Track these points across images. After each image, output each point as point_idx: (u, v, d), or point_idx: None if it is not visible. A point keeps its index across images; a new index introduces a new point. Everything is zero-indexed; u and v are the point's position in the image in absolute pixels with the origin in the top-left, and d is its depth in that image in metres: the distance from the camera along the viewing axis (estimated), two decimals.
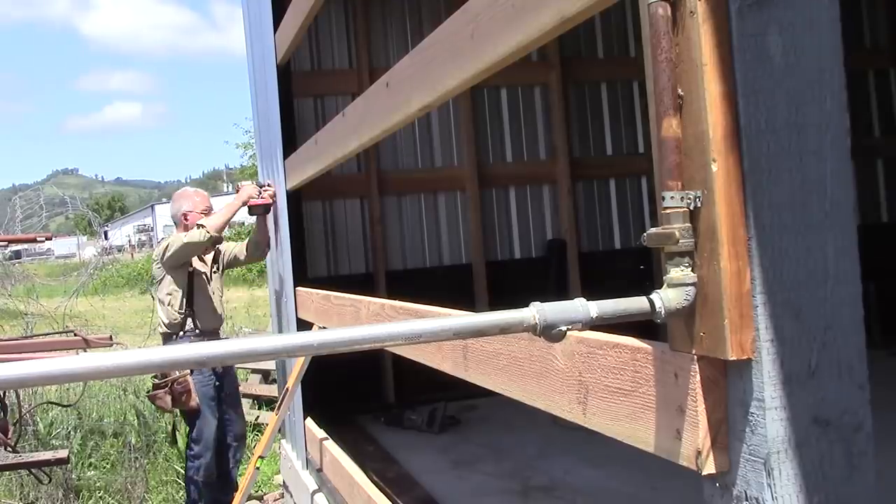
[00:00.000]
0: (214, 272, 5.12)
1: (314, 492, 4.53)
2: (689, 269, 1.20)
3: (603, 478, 3.83)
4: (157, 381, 4.83)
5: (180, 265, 4.89)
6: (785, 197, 1.14)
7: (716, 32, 1.13)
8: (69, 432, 6.99)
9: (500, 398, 1.91)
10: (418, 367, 2.52)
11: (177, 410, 5.02)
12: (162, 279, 4.95)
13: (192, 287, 4.91)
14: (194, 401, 4.79)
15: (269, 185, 4.92)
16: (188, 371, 4.68)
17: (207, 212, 5.04)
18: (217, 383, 4.95)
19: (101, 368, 1.12)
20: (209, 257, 5.09)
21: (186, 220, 4.99)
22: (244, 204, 4.83)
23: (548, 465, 4.15)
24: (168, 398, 4.78)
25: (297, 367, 4.39)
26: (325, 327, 3.79)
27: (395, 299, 3.01)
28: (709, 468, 1.19)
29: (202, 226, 4.69)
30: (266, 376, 8.29)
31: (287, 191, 4.71)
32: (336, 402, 5.05)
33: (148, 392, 4.98)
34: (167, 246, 4.87)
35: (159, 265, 4.96)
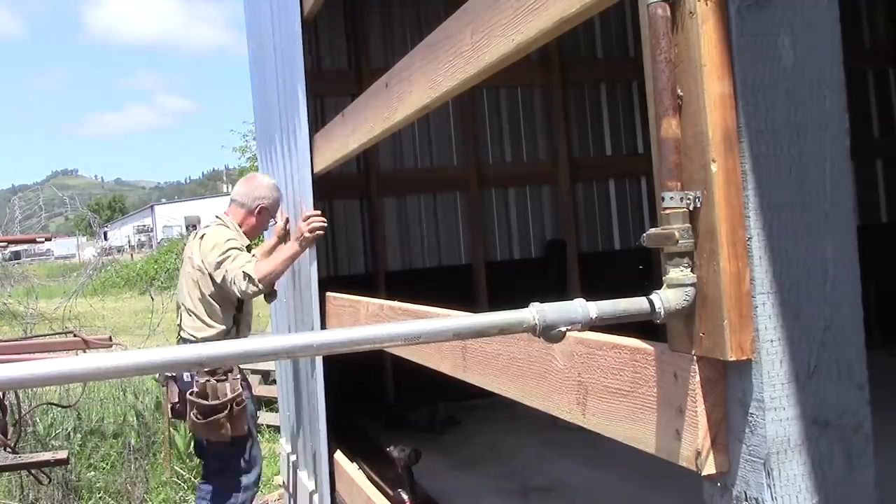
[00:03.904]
0: None
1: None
2: (689, 269, 1.20)
3: (602, 478, 3.83)
4: (203, 402, 3.75)
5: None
6: (785, 197, 1.14)
7: (715, 33, 1.13)
8: (69, 433, 6.98)
9: (499, 399, 1.91)
10: (418, 368, 2.52)
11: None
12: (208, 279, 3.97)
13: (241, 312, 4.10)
14: (247, 423, 3.94)
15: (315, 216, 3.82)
16: (238, 384, 3.85)
17: (269, 215, 4.17)
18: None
19: (100, 369, 1.12)
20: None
21: (256, 214, 4.05)
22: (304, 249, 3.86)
23: (547, 466, 4.16)
24: (229, 425, 3.80)
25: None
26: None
27: (394, 300, 3.01)
28: (708, 468, 1.19)
29: (249, 276, 3.70)
30: (266, 377, 8.30)
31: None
32: (336, 402, 5.04)
33: (197, 418, 3.79)
34: (224, 268, 3.79)
35: (211, 271, 3.90)
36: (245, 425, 3.92)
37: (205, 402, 3.77)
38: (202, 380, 3.79)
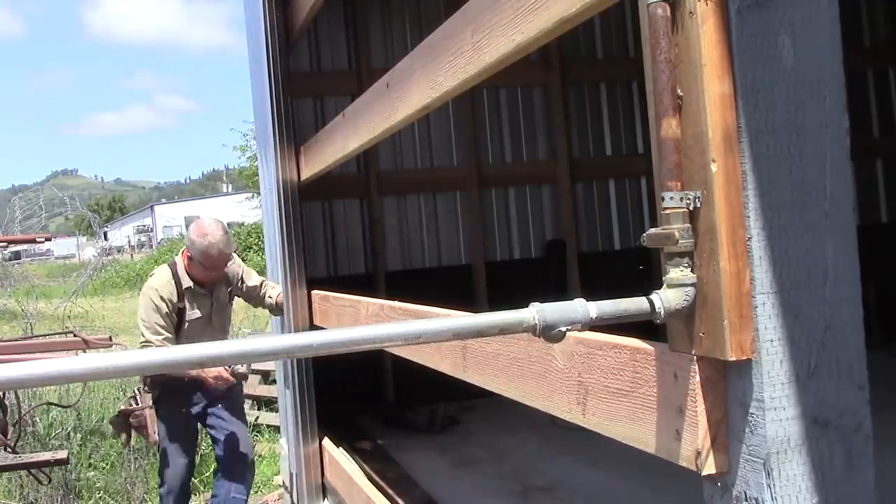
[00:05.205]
0: (216, 311, 4.40)
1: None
2: (689, 269, 1.20)
3: (602, 478, 3.83)
4: (122, 407, 4.68)
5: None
6: (785, 197, 1.14)
7: (715, 33, 1.13)
8: (69, 433, 6.99)
9: (499, 398, 1.91)
10: (418, 368, 2.52)
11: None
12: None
13: (180, 335, 4.27)
14: (152, 437, 4.51)
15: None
16: (147, 404, 4.47)
17: (210, 267, 4.17)
18: (201, 411, 4.42)
19: (99, 369, 1.12)
20: (219, 293, 4.42)
21: (186, 257, 4.27)
22: (206, 382, 4.31)
23: (547, 466, 4.15)
24: (125, 432, 4.65)
25: None
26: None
27: (394, 300, 3.01)
28: (708, 468, 1.19)
29: (149, 343, 4.16)
30: (266, 377, 8.29)
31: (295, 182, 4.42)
32: (336, 402, 5.05)
33: (111, 419, 4.86)
34: (140, 305, 4.32)
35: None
36: (147, 437, 4.58)
37: (123, 406, 4.70)
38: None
